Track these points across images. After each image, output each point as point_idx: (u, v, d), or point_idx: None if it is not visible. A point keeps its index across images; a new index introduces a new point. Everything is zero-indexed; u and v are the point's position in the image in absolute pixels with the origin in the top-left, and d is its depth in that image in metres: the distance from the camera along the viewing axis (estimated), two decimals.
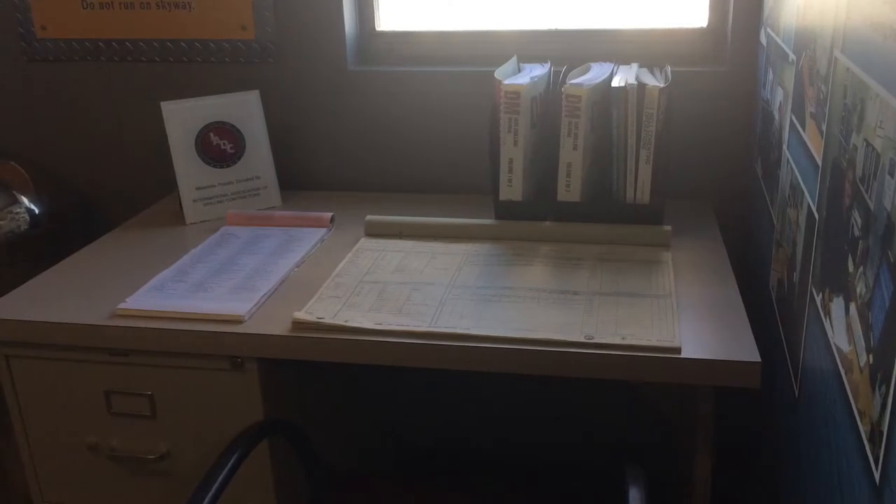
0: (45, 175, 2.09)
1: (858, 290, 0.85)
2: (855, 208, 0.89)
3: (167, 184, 1.89)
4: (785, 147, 1.36)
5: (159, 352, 1.38)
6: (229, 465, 1.23)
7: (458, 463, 2.13)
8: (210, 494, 1.18)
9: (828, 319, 1.00)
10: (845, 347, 0.90)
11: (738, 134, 1.82)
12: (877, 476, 0.75)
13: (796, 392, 1.18)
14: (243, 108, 1.86)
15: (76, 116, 2.10)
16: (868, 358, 0.80)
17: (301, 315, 1.35)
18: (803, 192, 1.19)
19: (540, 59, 1.79)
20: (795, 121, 1.28)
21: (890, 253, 0.75)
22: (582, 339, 1.25)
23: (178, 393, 1.41)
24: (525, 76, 1.66)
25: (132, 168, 2.11)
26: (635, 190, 1.61)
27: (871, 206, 0.82)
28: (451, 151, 1.95)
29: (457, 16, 1.98)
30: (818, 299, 1.06)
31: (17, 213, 1.93)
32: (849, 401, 0.87)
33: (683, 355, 1.22)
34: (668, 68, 1.67)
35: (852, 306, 0.88)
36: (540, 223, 1.65)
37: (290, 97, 1.98)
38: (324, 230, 1.72)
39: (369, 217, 1.71)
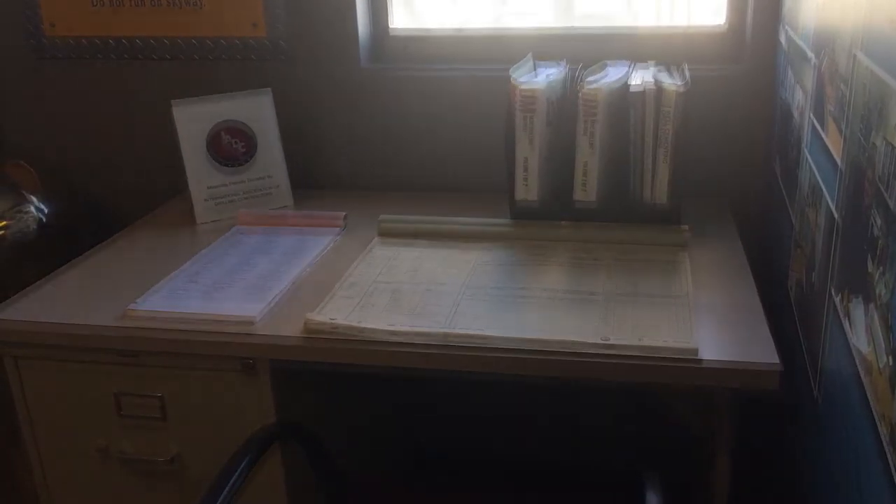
0: (53, 175, 2.08)
1: (878, 291, 0.84)
2: (875, 208, 0.87)
3: (177, 184, 1.88)
4: (804, 147, 1.35)
5: (170, 354, 1.37)
6: (240, 468, 1.22)
7: (473, 468, 2.12)
8: (221, 498, 1.16)
9: (847, 321, 0.98)
10: (865, 349, 0.89)
11: (757, 134, 1.80)
12: None
13: (815, 394, 1.17)
14: (255, 108, 1.85)
15: (85, 115, 2.09)
16: (888, 360, 0.79)
17: (314, 316, 1.34)
18: (823, 193, 1.17)
19: (555, 59, 1.77)
20: (815, 121, 1.26)
21: None
22: (598, 342, 1.24)
23: (189, 395, 1.40)
24: (541, 75, 1.65)
25: (142, 168, 2.10)
26: (652, 190, 1.59)
27: (892, 206, 0.81)
28: (465, 151, 1.94)
29: (471, 15, 1.96)
30: (837, 300, 1.04)
31: (26, 213, 1.92)
32: (869, 403, 0.86)
33: (701, 357, 1.20)
34: (686, 68, 1.65)
35: (872, 307, 0.87)
36: (556, 224, 1.63)
37: (303, 96, 1.97)
38: (336, 230, 1.71)
39: (383, 217, 1.69)
